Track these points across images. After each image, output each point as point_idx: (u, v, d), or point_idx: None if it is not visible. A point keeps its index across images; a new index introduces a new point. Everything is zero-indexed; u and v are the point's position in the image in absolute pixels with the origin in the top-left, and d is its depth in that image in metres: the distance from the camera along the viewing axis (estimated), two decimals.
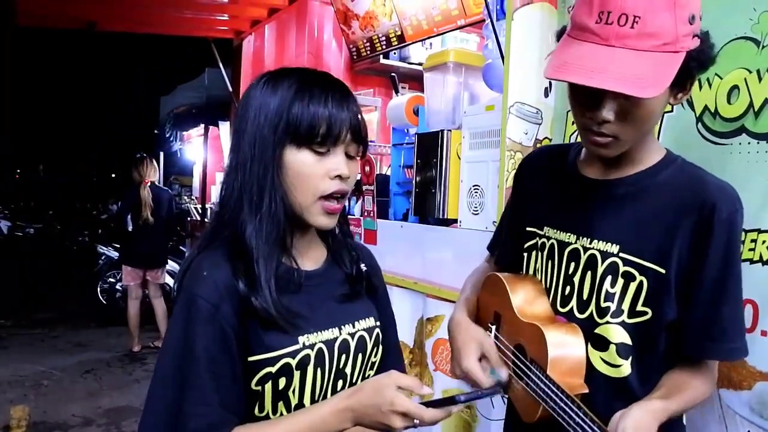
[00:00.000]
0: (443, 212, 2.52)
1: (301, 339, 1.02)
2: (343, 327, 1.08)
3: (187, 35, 5.75)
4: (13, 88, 15.88)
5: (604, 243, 1.13)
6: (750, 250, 1.35)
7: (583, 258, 1.16)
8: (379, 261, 2.93)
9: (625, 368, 1.11)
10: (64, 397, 4.51)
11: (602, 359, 1.12)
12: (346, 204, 3.42)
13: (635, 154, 1.14)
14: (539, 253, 1.26)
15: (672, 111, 1.52)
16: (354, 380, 1.10)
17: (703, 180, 1.11)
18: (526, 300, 1.21)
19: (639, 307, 1.10)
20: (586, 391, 1.09)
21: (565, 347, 1.11)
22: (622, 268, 1.11)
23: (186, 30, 5.57)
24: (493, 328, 1.27)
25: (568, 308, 1.17)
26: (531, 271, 1.28)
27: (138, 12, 4.88)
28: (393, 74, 3.28)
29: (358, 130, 1.03)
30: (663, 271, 1.08)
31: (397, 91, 3.26)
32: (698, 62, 1.04)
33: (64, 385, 4.77)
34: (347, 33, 4.69)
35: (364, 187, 2.96)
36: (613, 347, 1.11)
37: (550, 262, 1.23)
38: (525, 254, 1.30)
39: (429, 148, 2.58)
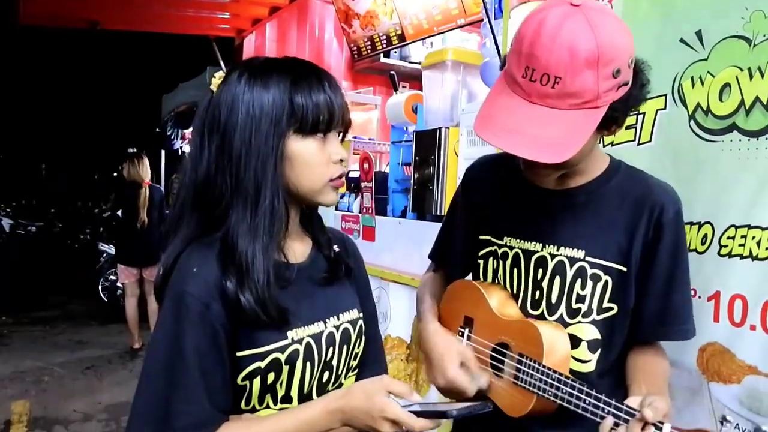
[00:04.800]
0: (441, 209, 2.54)
1: (290, 334, 1.02)
2: (328, 320, 1.09)
3: (189, 34, 5.77)
4: (13, 88, 15.91)
5: (571, 249, 1.19)
6: (740, 245, 1.37)
7: (551, 264, 1.21)
8: (377, 258, 2.94)
9: (592, 363, 1.19)
10: (64, 392, 4.52)
11: (573, 357, 1.18)
12: (348, 202, 3.38)
13: (584, 166, 1.19)
14: (500, 261, 1.29)
15: (666, 109, 1.54)
16: (339, 372, 1.12)
17: (648, 183, 1.20)
18: (500, 303, 1.26)
19: (606, 304, 1.17)
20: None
21: (555, 341, 1.15)
22: (589, 271, 1.17)
23: (187, 28, 5.60)
24: (465, 331, 1.29)
25: (539, 311, 1.22)
26: (490, 278, 1.32)
27: (140, 11, 4.91)
28: (392, 72, 3.30)
29: (347, 113, 1.07)
30: (625, 269, 1.16)
31: (396, 90, 3.28)
32: (623, 109, 1.08)
33: (65, 381, 4.79)
34: (348, 32, 4.71)
35: (363, 184, 2.98)
36: (584, 344, 1.18)
37: (515, 269, 1.26)
38: (480, 262, 1.33)
39: (427, 146, 2.59)
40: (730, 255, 1.39)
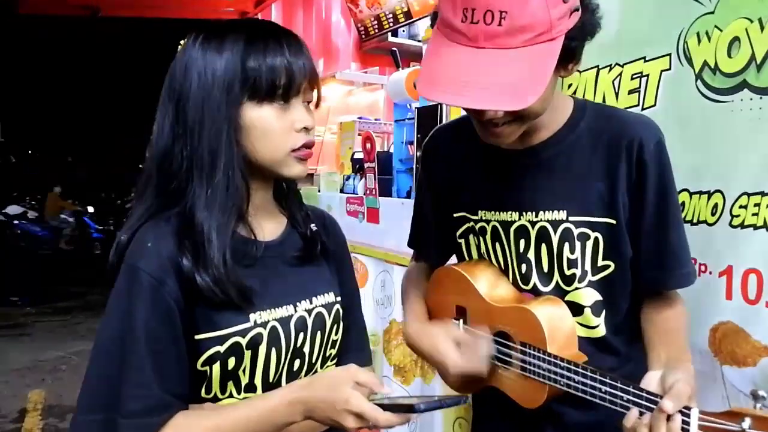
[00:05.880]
0: None
1: (253, 317, 0.95)
2: (299, 303, 1.02)
3: (192, 18, 5.70)
4: (31, 82, 16.11)
5: (551, 212, 1.09)
6: (753, 215, 1.25)
7: (533, 233, 1.11)
8: (382, 240, 2.86)
9: (602, 326, 1.11)
10: (80, 381, 4.46)
11: (579, 324, 1.10)
12: (353, 183, 3.28)
13: (546, 117, 1.07)
14: (479, 238, 1.19)
15: (670, 69, 1.42)
16: (313, 360, 1.04)
17: (621, 118, 1.10)
18: (490, 285, 1.16)
19: (600, 263, 1.09)
20: (586, 359, 1.05)
21: (556, 321, 1.07)
22: (575, 231, 1.08)
23: (190, 12, 5.51)
24: (460, 322, 1.20)
25: (530, 285, 1.13)
26: (475, 256, 1.22)
27: None
28: (393, 49, 3.21)
29: (315, 77, 0.98)
30: (614, 221, 1.07)
31: (398, 67, 3.18)
32: (580, 38, 0.97)
33: (81, 370, 4.71)
34: (354, 12, 4.61)
35: (366, 165, 2.90)
36: (588, 310, 1.10)
37: (497, 244, 1.16)
38: (462, 241, 1.23)
39: (429, 123, 2.49)
40: (742, 226, 1.27)
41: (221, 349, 0.92)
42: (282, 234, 1.06)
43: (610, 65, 1.56)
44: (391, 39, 4.50)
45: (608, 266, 1.09)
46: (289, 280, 1.03)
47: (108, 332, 0.90)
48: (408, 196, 2.83)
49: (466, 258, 1.24)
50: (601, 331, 1.11)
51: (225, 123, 0.93)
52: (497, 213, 1.15)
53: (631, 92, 1.50)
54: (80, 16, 4.88)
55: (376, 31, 4.50)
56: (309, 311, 1.03)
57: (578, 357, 1.05)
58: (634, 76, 1.48)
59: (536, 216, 1.10)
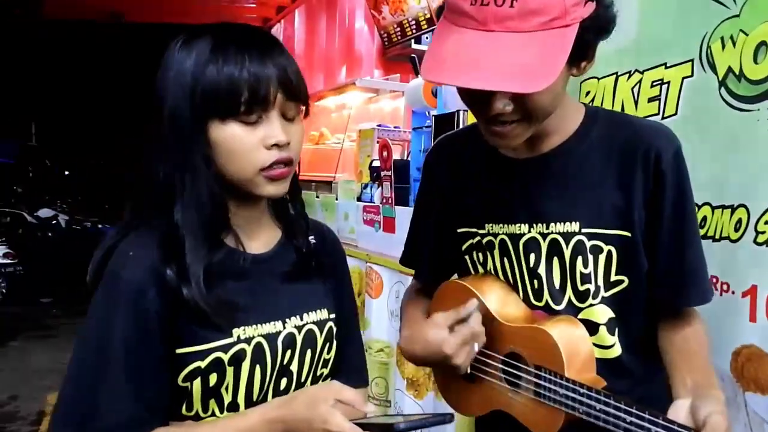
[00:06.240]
0: None
1: (236, 332, 0.90)
2: (288, 319, 0.97)
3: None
4: (62, 85, 16.45)
5: (563, 224, 1.03)
6: None
7: (544, 246, 1.05)
8: (397, 250, 2.80)
9: (617, 346, 1.05)
10: None
11: (594, 344, 1.03)
12: (370, 191, 3.21)
13: (555, 123, 1.02)
14: (486, 253, 1.12)
15: (693, 76, 1.34)
16: (303, 379, 0.99)
17: (635, 126, 1.04)
18: (499, 301, 1.08)
19: (613, 277, 1.03)
20: (605, 384, 0.98)
21: (574, 343, 1.00)
22: (588, 244, 1.02)
23: (213, 18, 5.52)
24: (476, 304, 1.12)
25: (542, 302, 1.06)
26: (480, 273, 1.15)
27: (164, 2, 4.89)
28: (413, 56, 3.15)
29: (291, 86, 0.89)
30: (628, 234, 1.01)
31: (417, 74, 3.13)
32: (595, 31, 0.92)
33: None
34: (378, 19, 4.59)
35: (383, 173, 2.85)
36: (603, 328, 1.04)
37: (505, 259, 1.09)
38: (466, 258, 1.16)
39: (445, 130, 2.42)
40: None
41: (202, 364, 0.88)
42: (274, 246, 1.01)
43: (630, 72, 1.49)
44: (414, 46, 4.46)
45: (622, 281, 1.02)
46: (279, 294, 0.98)
47: (85, 342, 0.87)
48: None
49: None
50: (616, 351, 1.04)
51: (190, 140, 0.88)
52: (505, 225, 1.08)
53: (651, 100, 1.43)
54: (105, 21, 4.97)
55: (399, 37, 4.48)
56: (299, 328, 0.98)
57: (597, 381, 0.99)
58: (655, 83, 1.41)
59: (547, 228, 1.04)
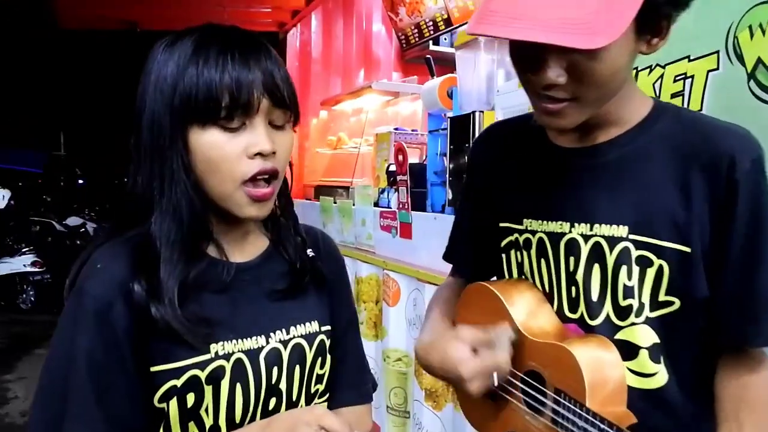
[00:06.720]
0: None
1: (214, 347, 0.85)
2: (272, 334, 0.91)
3: None
4: (88, 95, 16.79)
5: (609, 226, 0.91)
6: None
7: (585, 249, 0.93)
8: (414, 256, 2.73)
9: (661, 376, 0.90)
10: None
11: (631, 370, 0.90)
12: (387, 196, 3.12)
13: (616, 112, 0.91)
14: (523, 252, 1.02)
15: (719, 69, 1.25)
16: (294, 398, 0.93)
17: (709, 126, 0.91)
18: (528, 312, 0.98)
19: (662, 297, 0.89)
20: (635, 421, 0.86)
21: (602, 369, 0.87)
22: (634, 253, 0.89)
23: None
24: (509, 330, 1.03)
25: (577, 314, 0.94)
26: (516, 275, 1.05)
27: (179, 11, 4.90)
28: (428, 57, 3.10)
29: (278, 92, 0.84)
30: (688, 249, 0.87)
31: (432, 75, 3.06)
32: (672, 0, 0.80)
33: None
34: (395, 21, 4.52)
35: (399, 178, 2.79)
36: (644, 353, 0.90)
37: (543, 260, 0.99)
38: (503, 255, 1.07)
39: (461, 133, 2.37)
40: None
41: (178, 383, 0.82)
42: (260, 255, 0.95)
43: (650, 66, 1.40)
44: (432, 47, 4.39)
45: (671, 302, 0.89)
46: (263, 306, 0.92)
47: (51, 362, 0.82)
48: (442, 211, 2.70)
49: (506, 276, 1.08)
50: (659, 381, 0.90)
51: (169, 147, 0.83)
52: (544, 222, 0.98)
53: (674, 96, 1.34)
54: (120, 30, 4.99)
55: (417, 39, 4.40)
56: (284, 342, 0.91)
57: (625, 416, 0.87)
58: (677, 78, 1.33)
59: (590, 229, 0.92)
